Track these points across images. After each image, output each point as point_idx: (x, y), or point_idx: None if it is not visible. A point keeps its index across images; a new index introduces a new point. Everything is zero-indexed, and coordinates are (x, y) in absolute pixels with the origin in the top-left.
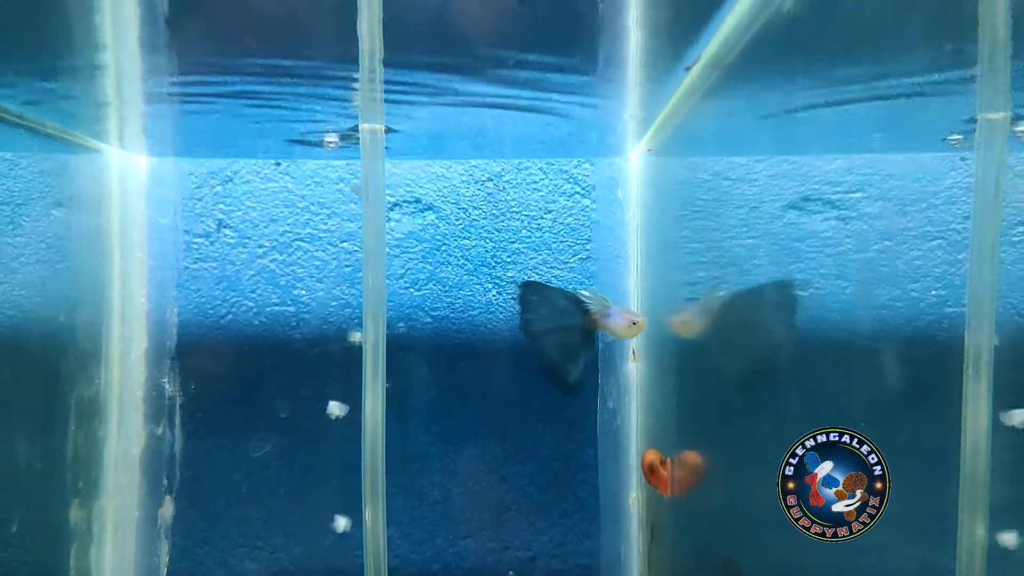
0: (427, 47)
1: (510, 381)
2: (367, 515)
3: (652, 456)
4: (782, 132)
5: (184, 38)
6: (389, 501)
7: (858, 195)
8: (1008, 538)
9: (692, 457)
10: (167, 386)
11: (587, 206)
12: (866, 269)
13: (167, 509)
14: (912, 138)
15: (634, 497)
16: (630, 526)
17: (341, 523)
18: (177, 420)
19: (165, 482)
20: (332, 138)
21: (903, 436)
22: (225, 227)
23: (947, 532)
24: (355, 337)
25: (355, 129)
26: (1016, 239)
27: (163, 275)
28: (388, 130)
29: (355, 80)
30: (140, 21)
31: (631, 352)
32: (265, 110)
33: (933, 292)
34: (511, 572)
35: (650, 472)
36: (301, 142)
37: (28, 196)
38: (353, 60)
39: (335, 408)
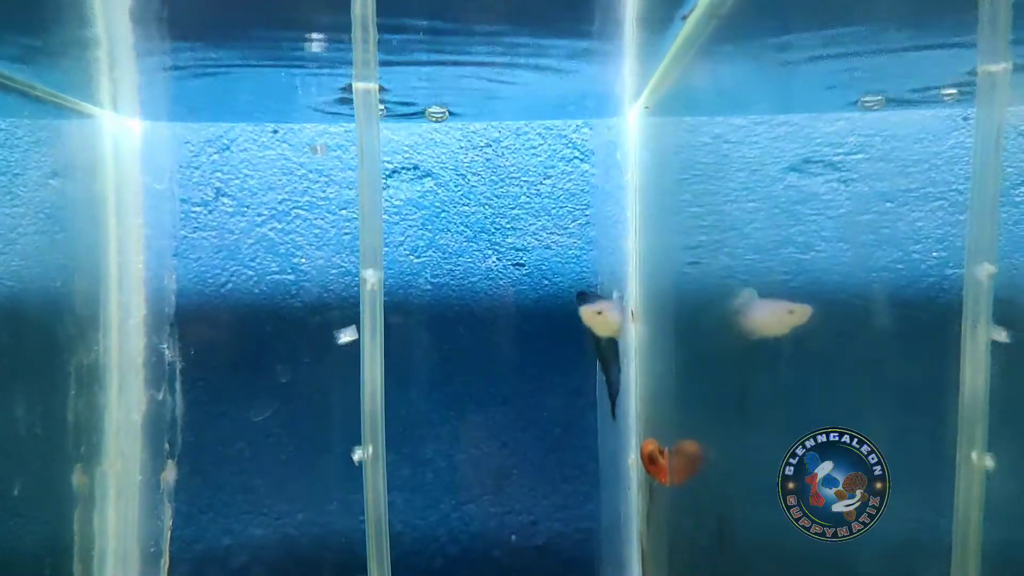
0: (421, 5)
1: (510, 347)
2: (368, 474)
3: (651, 446)
4: (781, 87)
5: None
6: (392, 469)
7: (859, 156)
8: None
9: (690, 446)
10: (167, 352)
11: (586, 171)
12: (867, 231)
13: (169, 473)
14: (913, 92)
15: (633, 459)
16: (629, 487)
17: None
18: (178, 385)
19: (167, 447)
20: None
21: (903, 399)
22: (223, 195)
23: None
24: (345, 337)
25: (348, 88)
26: (1018, 200)
27: (160, 242)
28: (382, 89)
29: (348, 39)
30: None
31: (630, 314)
32: (262, 70)
33: (934, 254)
34: (513, 536)
35: (649, 461)
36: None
37: (24, 166)
38: (346, 20)
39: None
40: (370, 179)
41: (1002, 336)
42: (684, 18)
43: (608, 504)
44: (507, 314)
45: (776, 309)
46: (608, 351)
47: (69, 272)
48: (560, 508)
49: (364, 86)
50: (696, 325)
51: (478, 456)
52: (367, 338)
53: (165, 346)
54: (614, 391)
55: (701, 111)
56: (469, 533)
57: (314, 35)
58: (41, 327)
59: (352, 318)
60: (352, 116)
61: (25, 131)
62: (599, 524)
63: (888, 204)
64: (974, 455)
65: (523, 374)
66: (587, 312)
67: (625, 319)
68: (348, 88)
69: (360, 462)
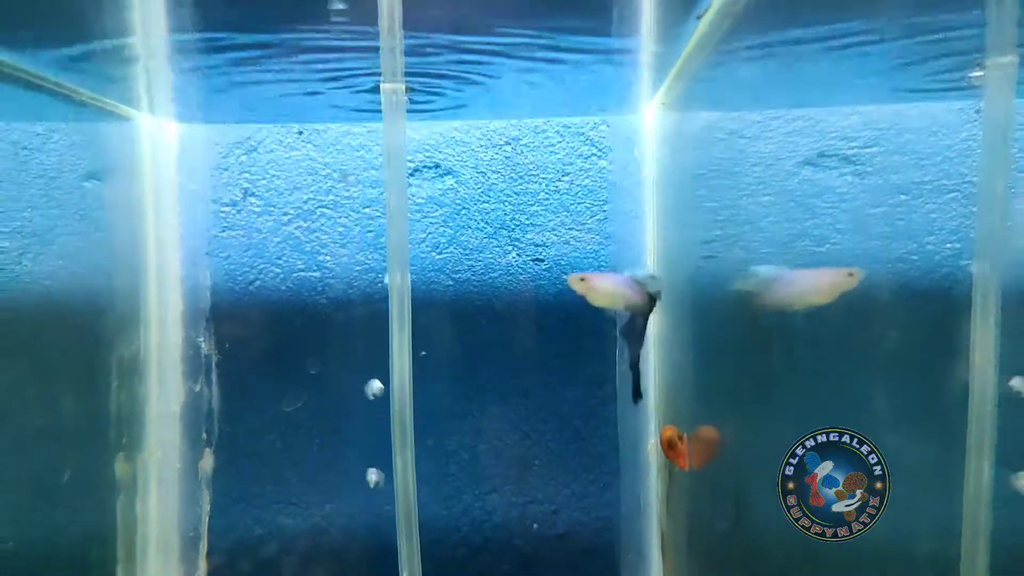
0: (443, 5)
1: (531, 341)
2: (397, 465)
3: (670, 432)
4: (794, 81)
5: (211, 4)
6: (417, 461)
7: (873, 150)
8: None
9: (708, 432)
10: (203, 346)
11: (604, 167)
12: (882, 223)
13: (207, 461)
14: (925, 84)
15: (652, 443)
16: (649, 473)
17: (373, 477)
18: (214, 377)
19: (204, 436)
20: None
21: (916, 388)
22: (251, 195)
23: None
24: (373, 388)
25: (376, 89)
26: None
27: (195, 241)
28: (409, 90)
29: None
30: None
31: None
32: (291, 71)
33: (948, 245)
34: (535, 524)
35: (668, 447)
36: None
37: (60, 169)
38: (373, 20)
39: (374, 387)
40: (395, 177)
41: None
42: (699, 18)
43: (628, 491)
44: (527, 308)
45: (833, 274)
46: (628, 330)
47: (107, 270)
48: (581, 497)
49: (391, 86)
50: (711, 316)
51: (500, 447)
52: (395, 335)
53: (201, 340)
54: (635, 373)
55: (717, 106)
56: (492, 523)
57: (341, 37)
58: (84, 323)
59: (375, 314)
60: (375, 115)
61: (62, 135)
62: (619, 512)
63: (902, 196)
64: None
65: (544, 366)
66: (572, 279)
67: (634, 293)
68: (375, 89)
69: (376, 485)
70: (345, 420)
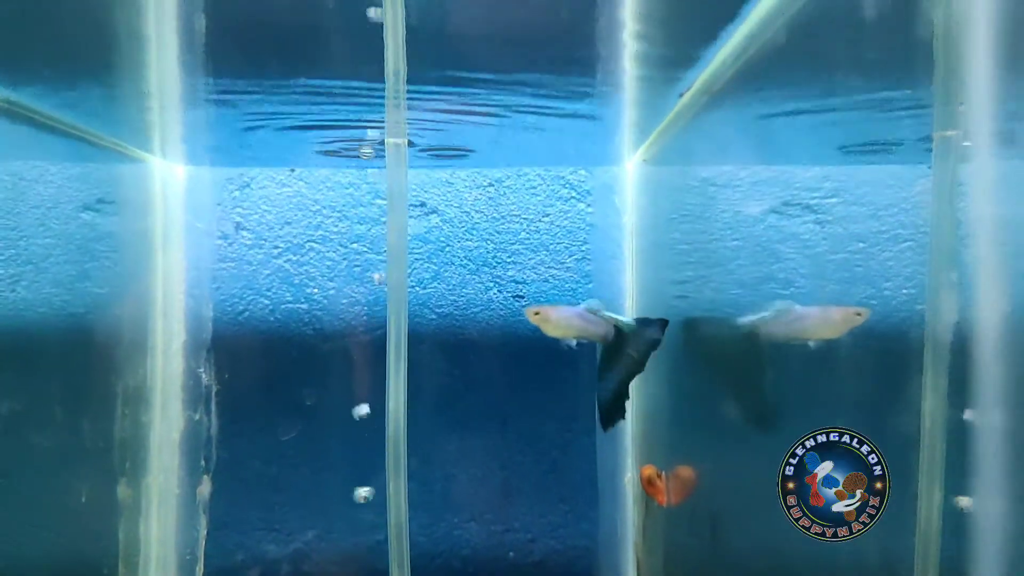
0: (443, 65)
1: (511, 373)
2: (390, 491)
3: (649, 470)
4: (765, 144)
5: (220, 56)
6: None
7: (834, 200)
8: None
9: (685, 471)
10: (203, 376)
11: (582, 210)
12: (842, 269)
13: (205, 487)
14: (875, 152)
15: (629, 477)
16: (626, 504)
17: (362, 493)
18: (213, 406)
19: (203, 463)
20: (367, 149)
21: (875, 427)
22: (243, 229)
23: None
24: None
25: (381, 143)
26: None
27: (198, 274)
28: (410, 143)
29: (380, 97)
30: (180, 40)
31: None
32: (298, 123)
33: (904, 291)
34: (511, 553)
35: (648, 484)
36: (332, 153)
37: (57, 200)
38: (377, 78)
39: (361, 409)
40: (397, 221)
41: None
42: (681, 95)
43: (606, 521)
44: (507, 342)
45: (844, 312)
46: (603, 358)
47: (106, 299)
48: (557, 527)
49: (395, 141)
50: (685, 351)
51: (480, 476)
52: (392, 372)
53: (202, 370)
54: (602, 400)
55: (692, 161)
56: (470, 548)
57: (345, 92)
58: (95, 352)
59: (361, 345)
60: (359, 161)
61: (80, 170)
62: (596, 540)
63: (861, 244)
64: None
65: (522, 399)
66: (528, 312)
67: (589, 324)
68: (377, 141)
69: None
70: (336, 446)
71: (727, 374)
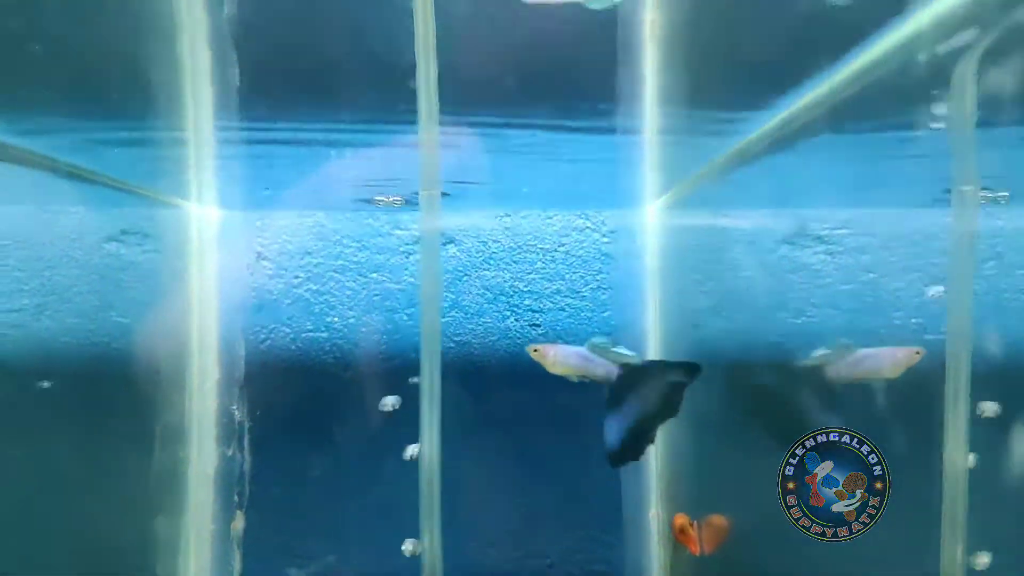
0: (471, 111)
1: (529, 401)
2: (424, 530)
3: (682, 519)
4: (789, 191)
5: (253, 106)
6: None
7: (844, 231)
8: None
9: (718, 520)
10: (236, 412)
11: (598, 240)
12: (852, 299)
13: (239, 523)
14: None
15: (654, 512)
16: (650, 538)
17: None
18: (245, 442)
19: (236, 499)
20: (396, 198)
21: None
22: (263, 259)
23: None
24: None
25: (415, 193)
26: (987, 272)
27: (231, 315)
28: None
29: (412, 144)
30: (215, 95)
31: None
32: (328, 171)
33: (913, 320)
34: None
35: (680, 532)
36: (365, 200)
37: (82, 231)
38: (410, 123)
39: (389, 402)
40: (430, 264)
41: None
42: (713, 159)
43: (630, 553)
44: (524, 370)
45: (907, 352)
46: (611, 396)
47: (129, 329)
48: (575, 552)
49: (429, 192)
50: (707, 390)
51: (499, 503)
52: (426, 416)
53: (235, 406)
54: (610, 441)
55: (715, 206)
56: (490, 572)
57: (378, 143)
58: (138, 392)
59: (380, 373)
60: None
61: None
62: (617, 568)
63: (871, 274)
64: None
65: (540, 427)
66: (529, 350)
67: (589, 363)
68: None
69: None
70: (367, 481)
71: (780, 416)
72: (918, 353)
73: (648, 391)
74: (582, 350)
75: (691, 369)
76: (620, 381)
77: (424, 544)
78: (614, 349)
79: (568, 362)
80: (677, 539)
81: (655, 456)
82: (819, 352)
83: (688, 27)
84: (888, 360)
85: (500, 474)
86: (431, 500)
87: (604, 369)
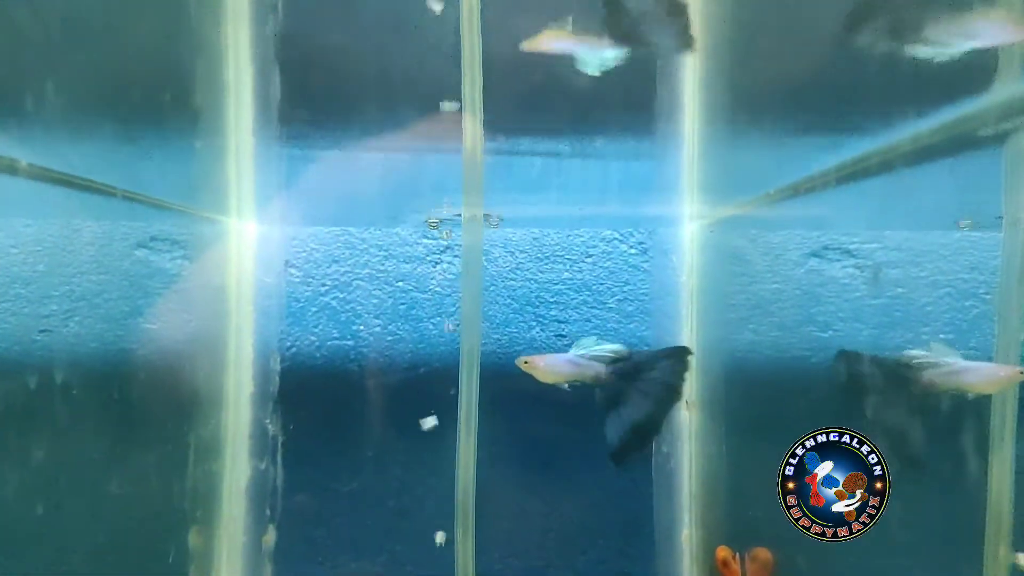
0: (511, 135)
1: (554, 412)
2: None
3: (724, 552)
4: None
5: (292, 123)
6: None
7: (873, 245)
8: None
9: (763, 553)
10: (270, 426)
11: (625, 251)
12: (880, 314)
13: (270, 536)
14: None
15: (687, 533)
16: (682, 558)
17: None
18: (279, 457)
19: (268, 512)
20: (434, 220)
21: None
22: (291, 267)
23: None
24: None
25: (457, 215)
26: None
27: (267, 327)
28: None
29: (454, 164)
30: (255, 115)
31: (684, 403)
32: (367, 189)
33: (942, 336)
34: None
35: (723, 566)
36: (400, 220)
37: (111, 237)
38: (454, 150)
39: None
40: (472, 289)
41: None
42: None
43: (664, 570)
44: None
45: (1010, 371)
46: (607, 395)
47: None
48: (598, 563)
49: (472, 212)
50: (741, 410)
51: (524, 515)
52: (462, 441)
53: (269, 420)
54: (611, 438)
55: (752, 227)
56: None
57: (417, 162)
58: (175, 407)
59: (406, 382)
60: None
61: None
62: None
63: (900, 289)
64: (1001, 551)
65: (566, 439)
66: (518, 362)
67: (580, 369)
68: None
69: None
70: (397, 494)
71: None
72: (1022, 373)
73: (643, 382)
74: (571, 356)
75: (681, 352)
76: (611, 378)
77: (457, 552)
78: (599, 347)
79: (559, 369)
80: (721, 573)
81: (688, 476)
82: (913, 352)
83: (734, 47)
84: (989, 376)
85: (526, 486)
86: (466, 514)
87: (594, 371)
